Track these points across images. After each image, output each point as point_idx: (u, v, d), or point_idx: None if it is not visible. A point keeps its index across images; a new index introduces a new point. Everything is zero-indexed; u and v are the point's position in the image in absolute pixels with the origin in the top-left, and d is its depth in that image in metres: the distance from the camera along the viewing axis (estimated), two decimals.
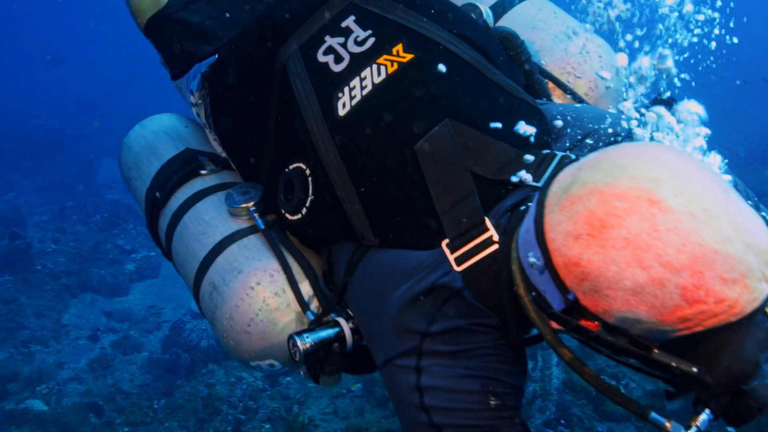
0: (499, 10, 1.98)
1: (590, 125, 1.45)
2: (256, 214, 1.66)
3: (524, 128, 1.38)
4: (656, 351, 1.02)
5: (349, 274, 1.47)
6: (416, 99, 1.43)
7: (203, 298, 1.64)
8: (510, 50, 1.74)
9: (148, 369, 6.32)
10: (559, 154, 1.34)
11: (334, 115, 1.48)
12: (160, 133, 2.01)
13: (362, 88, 1.47)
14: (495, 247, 1.28)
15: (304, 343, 1.45)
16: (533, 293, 1.13)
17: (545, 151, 1.36)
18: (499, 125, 1.39)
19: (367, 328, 1.46)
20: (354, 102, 1.47)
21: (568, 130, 1.45)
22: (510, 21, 1.96)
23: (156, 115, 2.13)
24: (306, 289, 1.57)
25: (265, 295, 1.54)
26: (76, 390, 6.07)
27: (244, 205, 1.68)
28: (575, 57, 1.89)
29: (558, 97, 1.84)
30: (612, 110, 1.62)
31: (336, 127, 1.47)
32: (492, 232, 1.29)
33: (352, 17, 1.58)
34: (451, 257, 1.31)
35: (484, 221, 1.30)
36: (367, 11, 1.58)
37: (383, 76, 1.47)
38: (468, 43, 1.56)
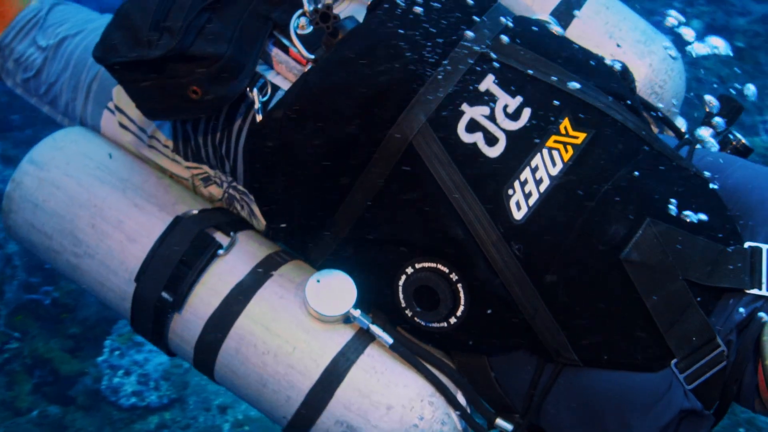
0: (563, 17, 1.60)
1: None
2: (373, 326, 1.34)
3: (716, 219, 1.28)
4: None
5: (544, 395, 1.30)
6: (605, 195, 1.23)
7: None
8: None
9: None
10: (765, 247, 1.27)
11: (509, 220, 1.22)
12: (82, 177, 1.45)
13: (537, 182, 1.23)
14: (724, 363, 1.25)
15: None
16: None
17: (750, 245, 1.28)
18: (695, 217, 1.26)
19: None
20: (531, 202, 1.22)
21: (749, 212, 1.34)
22: (581, 30, 1.60)
23: (49, 139, 1.49)
24: (464, 402, 1.37)
25: (433, 429, 1.31)
26: None
27: (345, 313, 1.35)
28: (661, 74, 1.60)
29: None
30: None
31: (513, 235, 1.22)
32: (722, 348, 1.24)
33: (491, 76, 1.27)
34: (681, 376, 1.24)
35: (714, 337, 1.23)
36: (505, 66, 1.29)
37: (559, 165, 1.24)
38: (618, 99, 1.35)
